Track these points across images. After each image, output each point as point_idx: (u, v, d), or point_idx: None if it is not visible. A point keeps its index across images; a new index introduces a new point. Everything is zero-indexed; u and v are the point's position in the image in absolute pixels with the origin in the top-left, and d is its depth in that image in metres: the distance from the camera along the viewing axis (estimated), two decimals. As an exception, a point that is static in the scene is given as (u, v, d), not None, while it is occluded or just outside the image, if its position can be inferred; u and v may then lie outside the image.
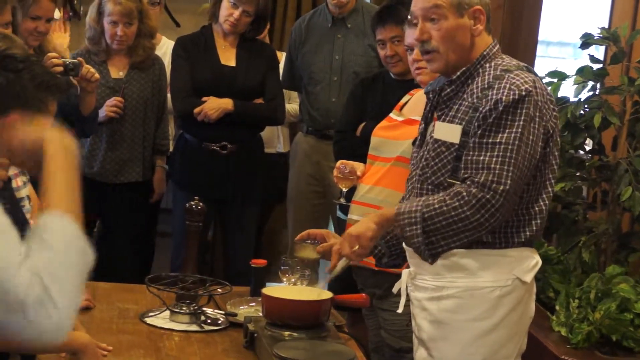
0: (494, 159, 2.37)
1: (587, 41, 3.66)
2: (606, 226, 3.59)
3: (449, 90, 2.52)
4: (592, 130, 3.61)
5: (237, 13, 4.17)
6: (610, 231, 3.60)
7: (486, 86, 2.44)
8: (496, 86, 2.42)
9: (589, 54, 3.71)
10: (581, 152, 3.79)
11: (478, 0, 2.50)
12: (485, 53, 2.51)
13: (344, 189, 3.21)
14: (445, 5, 2.47)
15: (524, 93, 2.39)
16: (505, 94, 2.39)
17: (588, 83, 3.65)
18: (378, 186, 3.11)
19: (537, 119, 2.41)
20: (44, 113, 2.16)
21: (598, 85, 3.68)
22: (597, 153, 3.73)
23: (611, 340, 3.25)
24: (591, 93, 3.68)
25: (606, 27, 3.71)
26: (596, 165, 3.67)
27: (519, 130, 2.37)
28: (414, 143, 2.73)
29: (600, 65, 3.70)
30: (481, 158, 2.38)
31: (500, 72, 2.46)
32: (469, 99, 2.46)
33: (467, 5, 2.48)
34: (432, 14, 2.48)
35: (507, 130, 2.38)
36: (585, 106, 3.64)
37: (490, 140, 2.39)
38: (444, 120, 2.51)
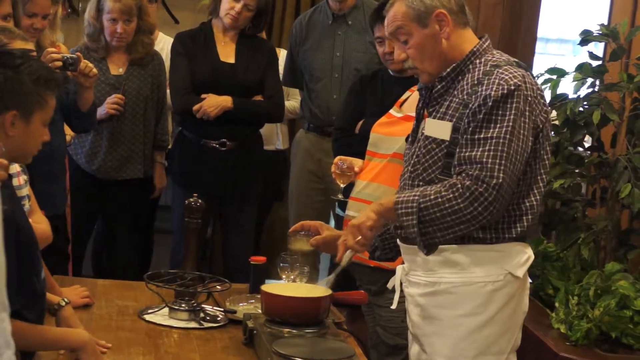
0: (486, 154, 2.36)
1: (586, 38, 3.66)
2: (605, 223, 3.59)
3: (439, 87, 2.52)
4: (591, 127, 3.60)
5: (238, 7, 4.17)
6: (609, 228, 3.59)
7: (476, 82, 2.44)
8: (485, 82, 2.42)
9: (588, 51, 3.70)
10: (580, 149, 3.79)
11: (438, 3, 2.48)
12: (475, 49, 2.51)
13: (341, 185, 3.21)
14: (406, 23, 2.49)
15: (512, 88, 2.39)
16: (494, 89, 2.39)
17: (587, 80, 3.65)
18: (375, 182, 3.11)
19: (527, 113, 2.40)
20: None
21: (597, 82, 3.68)
22: (596, 150, 3.73)
23: (610, 337, 3.25)
24: (590, 90, 3.67)
25: (605, 23, 3.71)
26: (595, 162, 3.67)
27: (510, 124, 2.37)
28: (407, 140, 2.73)
29: (600, 62, 3.69)
30: (473, 153, 2.38)
31: (490, 67, 2.46)
32: (460, 96, 2.47)
33: (426, 13, 2.47)
34: (399, 35, 2.52)
35: (497, 125, 2.38)
36: (585, 103, 3.63)
37: (481, 136, 2.39)
38: (434, 117, 2.52)
